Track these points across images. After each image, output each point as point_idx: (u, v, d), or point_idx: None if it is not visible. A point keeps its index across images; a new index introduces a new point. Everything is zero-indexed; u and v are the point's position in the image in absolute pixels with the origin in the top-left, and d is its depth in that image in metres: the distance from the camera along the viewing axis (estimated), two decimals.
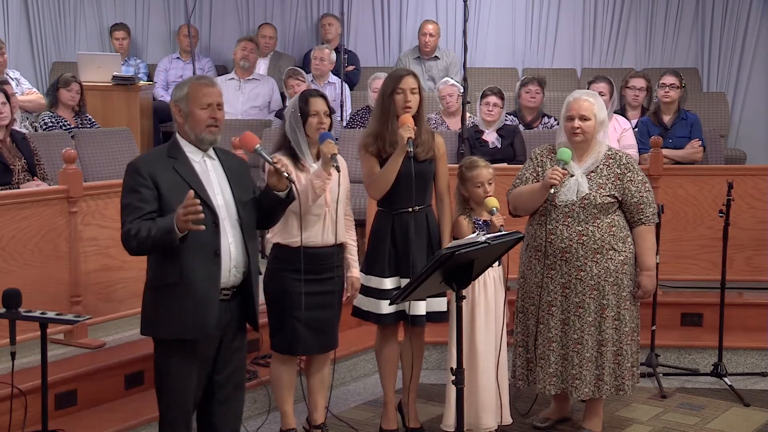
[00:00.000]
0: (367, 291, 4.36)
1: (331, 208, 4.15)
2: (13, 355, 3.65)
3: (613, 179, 4.32)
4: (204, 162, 3.62)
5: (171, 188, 3.48)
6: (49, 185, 5.25)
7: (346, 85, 7.98)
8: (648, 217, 4.37)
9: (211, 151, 3.66)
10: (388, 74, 4.45)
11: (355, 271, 4.32)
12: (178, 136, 3.66)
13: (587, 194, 4.28)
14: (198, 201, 3.31)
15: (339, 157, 4.11)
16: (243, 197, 3.63)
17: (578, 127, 4.29)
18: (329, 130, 4.14)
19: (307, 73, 7.63)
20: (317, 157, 4.16)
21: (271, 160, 3.63)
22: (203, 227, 3.35)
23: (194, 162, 3.60)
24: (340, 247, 4.24)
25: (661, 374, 5.23)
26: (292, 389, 4.33)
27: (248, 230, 3.62)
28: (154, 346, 3.65)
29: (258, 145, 3.69)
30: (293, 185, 3.70)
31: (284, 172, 3.61)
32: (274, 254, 4.15)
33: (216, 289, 3.51)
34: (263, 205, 3.71)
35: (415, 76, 4.33)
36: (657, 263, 4.53)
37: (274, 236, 4.13)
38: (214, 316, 3.51)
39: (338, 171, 4.05)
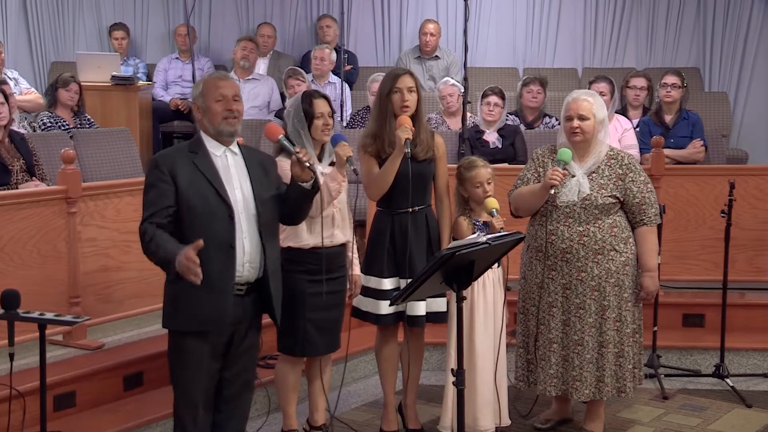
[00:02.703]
0: (366, 291, 4.35)
1: (337, 208, 4.15)
2: (11, 356, 3.63)
3: (614, 180, 4.30)
4: (225, 156, 3.64)
5: (189, 182, 3.51)
6: (48, 186, 5.23)
7: (347, 85, 7.95)
8: (650, 217, 4.35)
9: (234, 147, 3.68)
10: (385, 74, 4.44)
11: (356, 269, 4.33)
12: (201, 132, 3.68)
13: (588, 195, 4.27)
14: (198, 262, 3.29)
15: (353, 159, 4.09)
16: (263, 193, 3.64)
17: (577, 127, 4.28)
18: (336, 132, 4.15)
19: (306, 72, 7.61)
20: (320, 158, 4.16)
21: (293, 150, 3.64)
22: (198, 282, 3.33)
23: (215, 156, 3.62)
24: (344, 246, 4.25)
25: (662, 375, 5.20)
26: (296, 390, 4.33)
27: (266, 226, 3.62)
28: (168, 339, 3.66)
29: (281, 136, 3.72)
30: (316, 174, 3.71)
31: (306, 162, 3.61)
32: (282, 257, 4.12)
33: (230, 282, 3.53)
34: (290, 199, 3.71)
35: (412, 74, 4.31)
36: (658, 264, 4.51)
37: (284, 240, 4.10)
38: (230, 310, 3.54)
39: (356, 174, 4.05)
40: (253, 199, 3.61)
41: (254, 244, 3.59)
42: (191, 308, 3.52)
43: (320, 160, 4.16)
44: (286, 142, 3.72)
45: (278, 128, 3.78)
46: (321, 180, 3.94)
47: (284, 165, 3.88)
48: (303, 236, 4.08)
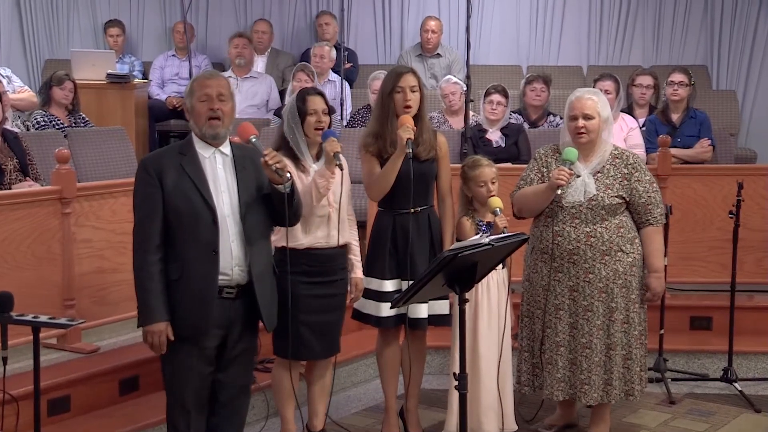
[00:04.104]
0: (367, 293, 4.31)
1: (334, 209, 4.09)
2: (4, 360, 3.58)
3: (620, 179, 4.27)
4: (214, 158, 3.62)
5: (174, 185, 3.52)
6: (42, 186, 5.19)
7: (347, 84, 7.88)
8: (656, 217, 4.32)
9: (225, 147, 3.65)
10: (387, 72, 4.40)
11: (358, 272, 4.29)
12: (191, 133, 3.68)
13: (595, 195, 4.23)
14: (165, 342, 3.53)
15: (340, 156, 4.03)
16: (251, 195, 3.62)
17: (582, 127, 4.24)
18: (329, 129, 4.08)
19: None
20: (317, 157, 4.12)
21: (262, 152, 3.58)
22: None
23: (204, 158, 3.61)
24: (344, 248, 4.20)
25: (669, 379, 5.16)
26: (293, 395, 4.26)
27: (252, 229, 3.60)
28: None
29: (253, 137, 3.66)
30: (293, 177, 3.66)
31: (272, 164, 3.54)
32: (277, 257, 4.05)
33: (213, 286, 3.53)
34: (273, 201, 3.67)
35: (414, 73, 4.28)
36: (665, 265, 4.47)
37: (278, 240, 4.05)
38: (212, 314, 3.54)
39: (341, 169, 3.99)
40: (239, 201, 3.58)
41: (242, 247, 3.58)
42: (175, 311, 3.54)
43: (318, 158, 4.12)
44: (257, 143, 3.64)
45: (251, 128, 3.71)
46: (302, 187, 3.90)
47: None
48: (298, 236, 4.04)
